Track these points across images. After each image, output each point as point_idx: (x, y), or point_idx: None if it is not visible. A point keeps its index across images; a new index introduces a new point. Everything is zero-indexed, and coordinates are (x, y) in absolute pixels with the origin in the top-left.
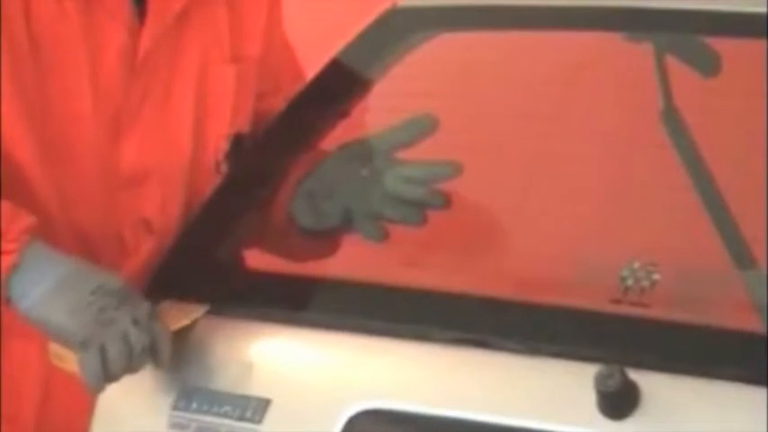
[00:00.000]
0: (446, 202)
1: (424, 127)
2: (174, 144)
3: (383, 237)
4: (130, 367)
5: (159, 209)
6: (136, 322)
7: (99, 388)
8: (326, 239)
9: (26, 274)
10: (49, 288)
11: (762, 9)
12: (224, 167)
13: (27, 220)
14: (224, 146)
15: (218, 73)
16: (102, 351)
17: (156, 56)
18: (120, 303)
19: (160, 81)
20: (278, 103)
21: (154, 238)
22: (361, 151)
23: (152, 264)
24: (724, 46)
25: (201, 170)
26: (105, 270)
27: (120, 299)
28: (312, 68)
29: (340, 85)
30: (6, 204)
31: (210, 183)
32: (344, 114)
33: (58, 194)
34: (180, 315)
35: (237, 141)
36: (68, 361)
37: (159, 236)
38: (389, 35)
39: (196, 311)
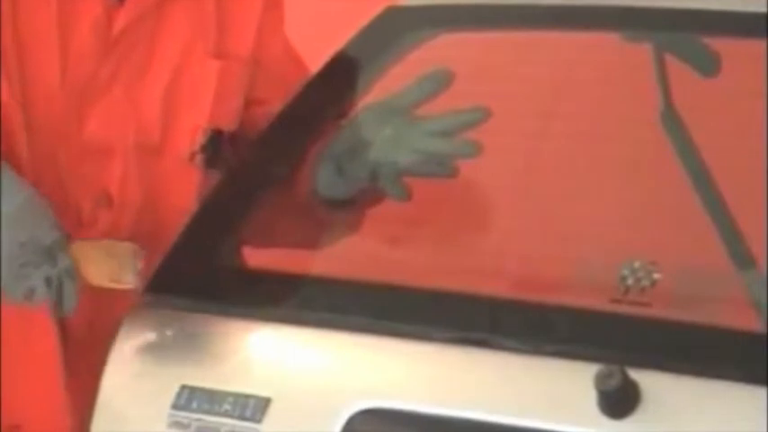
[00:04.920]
0: (477, 150)
1: (439, 81)
2: (141, 124)
3: (409, 196)
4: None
5: (119, 184)
6: (48, 282)
7: None
8: (330, 234)
9: None
10: None
11: (762, 9)
12: (199, 159)
13: None
14: (200, 138)
15: (200, 65)
16: (7, 293)
17: (133, 35)
18: (42, 262)
19: (135, 60)
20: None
21: (111, 213)
22: (381, 112)
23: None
24: (724, 46)
25: (171, 156)
26: (48, 216)
27: (43, 257)
28: (311, 67)
29: (339, 84)
30: None
31: (181, 172)
32: (344, 113)
33: (31, 156)
34: (116, 272)
35: (215, 136)
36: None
37: (117, 211)
38: (388, 34)
39: (129, 284)
